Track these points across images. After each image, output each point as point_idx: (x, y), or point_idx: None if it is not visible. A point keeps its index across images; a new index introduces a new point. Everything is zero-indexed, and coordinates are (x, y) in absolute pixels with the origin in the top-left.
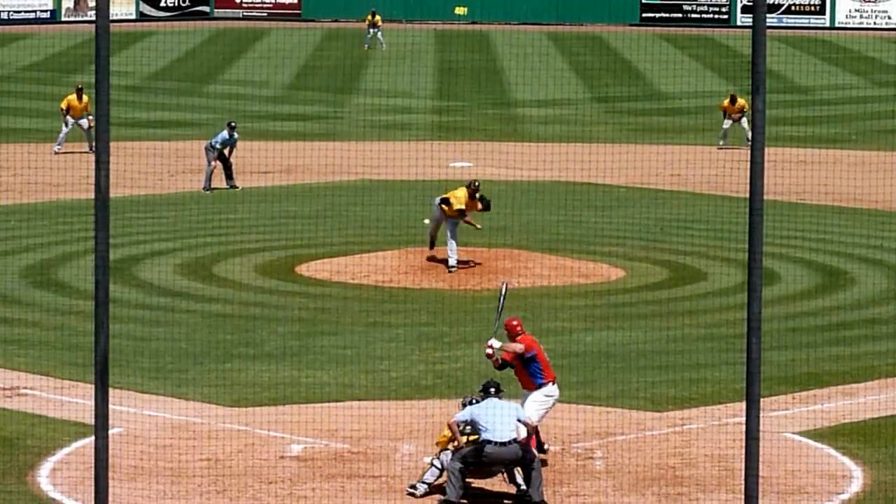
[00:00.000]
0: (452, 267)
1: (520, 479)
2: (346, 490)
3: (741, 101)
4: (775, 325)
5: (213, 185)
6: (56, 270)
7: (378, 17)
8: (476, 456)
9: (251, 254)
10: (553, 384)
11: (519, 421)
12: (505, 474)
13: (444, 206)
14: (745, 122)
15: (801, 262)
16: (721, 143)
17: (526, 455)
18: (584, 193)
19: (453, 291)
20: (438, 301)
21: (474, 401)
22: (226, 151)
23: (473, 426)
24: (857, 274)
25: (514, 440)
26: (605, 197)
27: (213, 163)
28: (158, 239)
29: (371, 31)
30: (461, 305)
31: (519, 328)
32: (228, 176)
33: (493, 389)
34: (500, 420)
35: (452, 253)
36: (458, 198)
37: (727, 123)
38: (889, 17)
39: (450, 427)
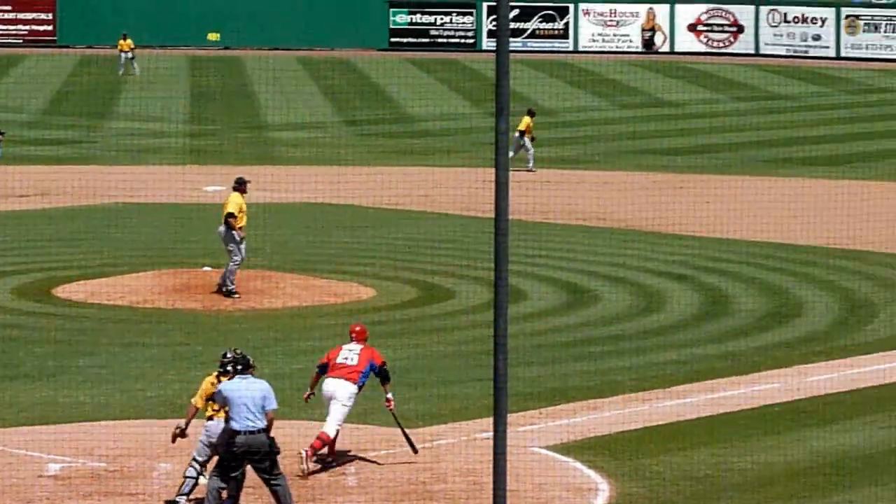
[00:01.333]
0: (232, 292)
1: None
2: None
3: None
4: (522, 342)
5: None
6: None
7: (129, 42)
8: (230, 457)
9: (7, 276)
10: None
11: (263, 408)
12: (229, 484)
13: (230, 220)
14: (528, 142)
15: (548, 280)
16: (531, 165)
17: (272, 448)
18: (335, 214)
19: (207, 312)
20: (193, 321)
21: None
22: None
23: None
24: (602, 291)
25: (263, 429)
26: (356, 218)
27: None
28: None
29: (123, 56)
30: (215, 325)
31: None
32: None
33: (240, 367)
34: (250, 404)
35: (231, 276)
36: (233, 202)
37: (525, 142)
38: (630, 41)
39: (189, 408)
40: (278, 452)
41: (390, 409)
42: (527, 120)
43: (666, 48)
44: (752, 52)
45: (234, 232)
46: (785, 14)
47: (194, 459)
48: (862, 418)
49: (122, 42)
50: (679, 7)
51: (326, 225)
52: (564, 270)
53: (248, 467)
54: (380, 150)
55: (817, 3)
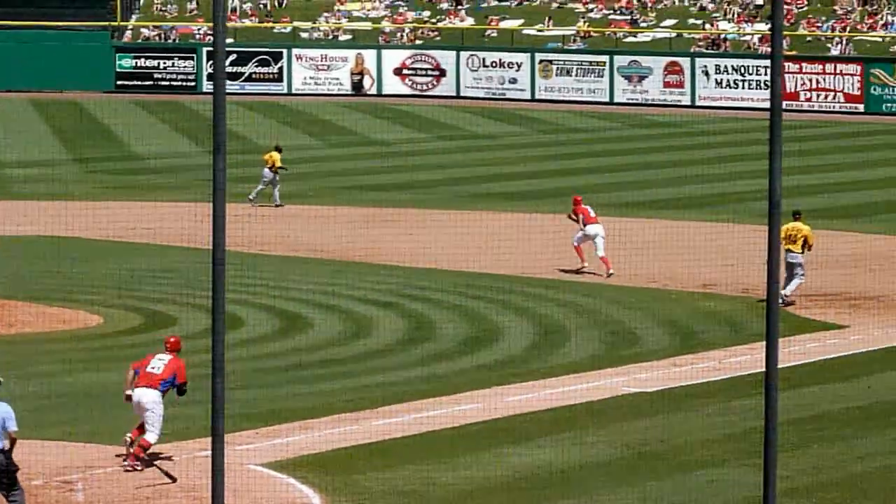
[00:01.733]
0: None
1: None
2: None
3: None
4: (240, 366)
5: None
6: None
7: None
8: None
9: None
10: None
11: (4, 429)
12: None
13: None
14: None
15: (263, 307)
16: (278, 200)
17: (10, 467)
18: (65, 247)
19: None
20: None
21: None
22: None
23: None
24: (314, 318)
25: (3, 450)
26: (85, 250)
27: None
28: None
29: None
30: None
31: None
32: None
33: None
34: None
35: None
36: None
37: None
38: (341, 84)
39: None
40: (17, 469)
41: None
42: (275, 155)
43: (374, 91)
44: (454, 94)
45: None
46: (484, 59)
47: None
48: (554, 436)
49: None
50: (385, 52)
51: (57, 257)
52: (279, 299)
53: None
54: (107, 186)
55: (513, 49)
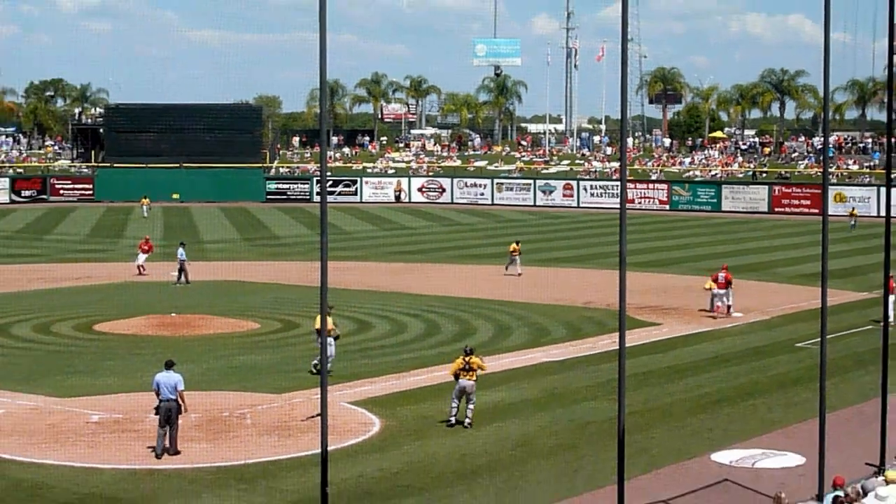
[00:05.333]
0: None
1: None
2: (120, 437)
3: None
4: (337, 350)
5: None
6: None
7: None
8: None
9: (69, 320)
10: None
11: (176, 389)
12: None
13: None
14: None
15: (345, 317)
16: None
17: (178, 411)
18: (236, 286)
19: (173, 337)
20: (164, 343)
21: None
22: None
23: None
24: (374, 323)
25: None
26: (248, 287)
27: None
28: None
29: None
30: (175, 344)
31: None
32: None
33: (166, 365)
34: (169, 385)
35: None
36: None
37: None
38: (388, 196)
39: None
40: (180, 413)
41: None
42: None
43: (406, 200)
44: (450, 201)
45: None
46: (465, 181)
47: None
48: (506, 385)
49: None
50: (413, 179)
51: (232, 292)
52: (357, 312)
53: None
54: (260, 253)
55: (482, 176)
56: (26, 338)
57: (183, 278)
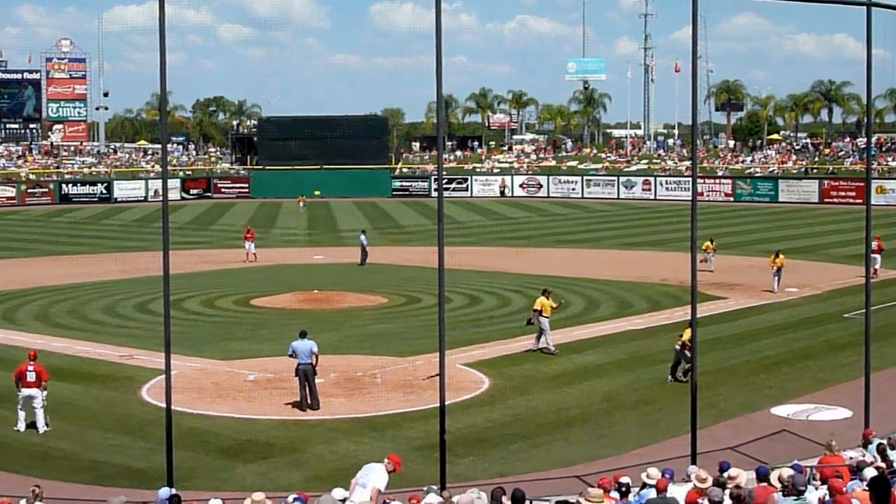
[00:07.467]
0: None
1: None
2: (272, 393)
3: None
4: (448, 319)
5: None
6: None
7: None
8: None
9: (230, 296)
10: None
11: (312, 352)
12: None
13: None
14: None
15: (455, 292)
16: None
17: (314, 372)
18: (368, 267)
19: (314, 310)
20: (309, 315)
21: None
22: None
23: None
24: (482, 297)
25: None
26: (378, 268)
27: None
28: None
29: None
30: (315, 316)
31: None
32: None
33: (300, 334)
34: (306, 350)
35: None
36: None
37: None
38: (494, 191)
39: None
40: (316, 374)
41: None
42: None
43: (509, 194)
44: (546, 195)
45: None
46: (559, 178)
47: None
48: (567, 356)
49: None
50: (515, 177)
51: (364, 272)
52: (466, 288)
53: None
54: (388, 240)
55: (572, 173)
56: (195, 311)
57: (365, 260)
